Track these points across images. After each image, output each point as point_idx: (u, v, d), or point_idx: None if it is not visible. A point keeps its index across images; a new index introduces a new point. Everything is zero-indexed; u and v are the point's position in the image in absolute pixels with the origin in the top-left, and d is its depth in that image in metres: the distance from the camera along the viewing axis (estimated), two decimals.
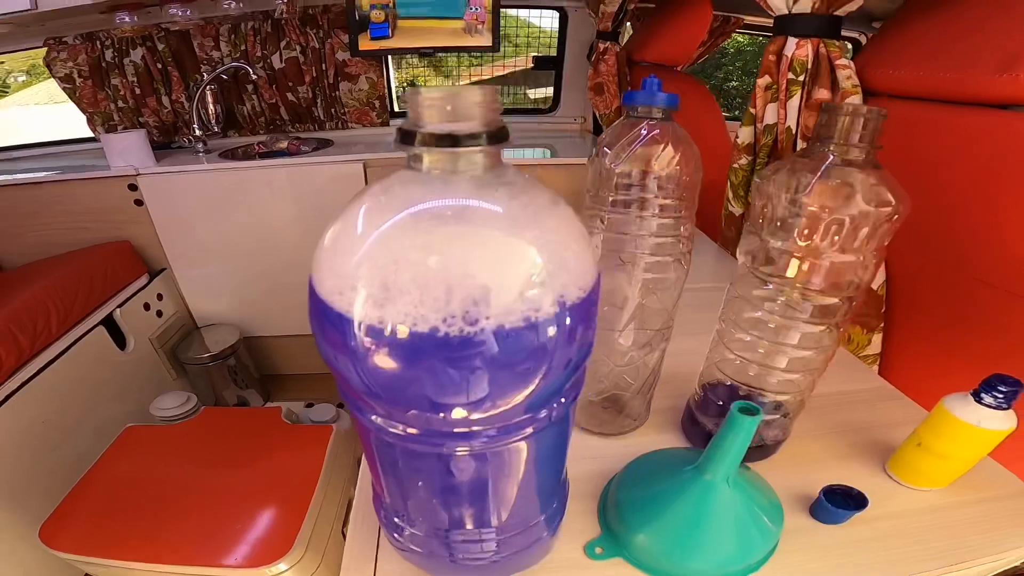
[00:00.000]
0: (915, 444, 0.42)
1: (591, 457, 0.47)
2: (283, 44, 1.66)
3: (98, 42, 1.60)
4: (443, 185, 0.21)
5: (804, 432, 0.49)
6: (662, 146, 0.38)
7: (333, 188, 1.56)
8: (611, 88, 1.55)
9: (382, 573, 0.37)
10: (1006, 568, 0.39)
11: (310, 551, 0.86)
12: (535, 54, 1.94)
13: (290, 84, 1.72)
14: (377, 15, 1.54)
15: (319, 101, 1.79)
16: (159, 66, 1.66)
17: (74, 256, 1.48)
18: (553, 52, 1.89)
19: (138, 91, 1.68)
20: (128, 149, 1.49)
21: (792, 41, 0.71)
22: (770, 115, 0.76)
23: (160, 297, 1.63)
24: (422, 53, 1.68)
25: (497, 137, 0.21)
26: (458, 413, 0.22)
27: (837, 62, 0.68)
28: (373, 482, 0.32)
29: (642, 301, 0.43)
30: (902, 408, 0.53)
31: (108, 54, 1.62)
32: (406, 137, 0.20)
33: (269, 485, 0.93)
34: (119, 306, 1.46)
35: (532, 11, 1.87)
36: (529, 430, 0.25)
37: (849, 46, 1.69)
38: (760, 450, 0.46)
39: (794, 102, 0.72)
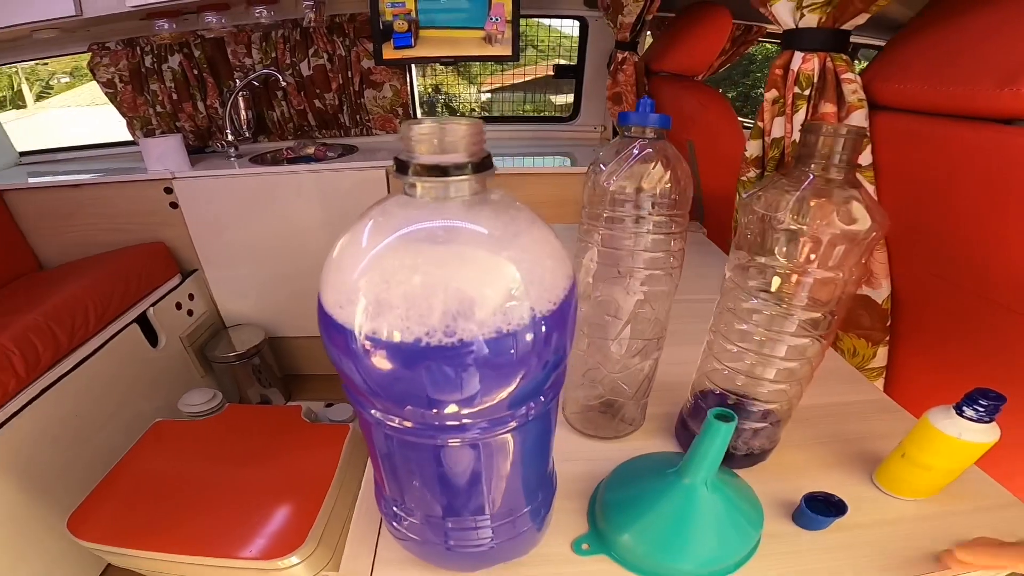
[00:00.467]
0: (900, 455, 0.43)
1: (587, 459, 0.49)
2: (311, 52, 1.71)
3: (138, 48, 1.68)
4: (432, 210, 0.24)
5: (795, 441, 0.50)
6: (653, 165, 0.40)
7: (357, 193, 1.61)
8: (629, 98, 1.56)
9: (381, 561, 0.40)
10: None
11: (322, 546, 0.89)
12: (556, 62, 1.96)
13: (317, 91, 1.78)
14: (400, 25, 1.59)
15: (345, 108, 1.84)
16: (195, 72, 1.73)
17: (111, 256, 1.54)
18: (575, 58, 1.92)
19: (175, 96, 1.75)
20: (165, 153, 1.55)
21: (799, 55, 0.72)
22: (777, 129, 0.77)
23: (191, 297, 1.69)
24: (443, 62, 1.73)
25: (481, 167, 0.24)
26: (449, 409, 0.25)
27: (843, 76, 0.69)
28: (375, 474, 0.35)
29: (636, 311, 0.45)
30: (896, 420, 0.54)
31: (147, 60, 1.70)
32: (401, 167, 0.23)
33: (286, 481, 0.96)
34: (152, 305, 1.52)
35: (553, 20, 1.90)
36: (513, 424, 0.28)
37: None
38: (749, 458, 0.47)
39: (800, 116, 0.73)
